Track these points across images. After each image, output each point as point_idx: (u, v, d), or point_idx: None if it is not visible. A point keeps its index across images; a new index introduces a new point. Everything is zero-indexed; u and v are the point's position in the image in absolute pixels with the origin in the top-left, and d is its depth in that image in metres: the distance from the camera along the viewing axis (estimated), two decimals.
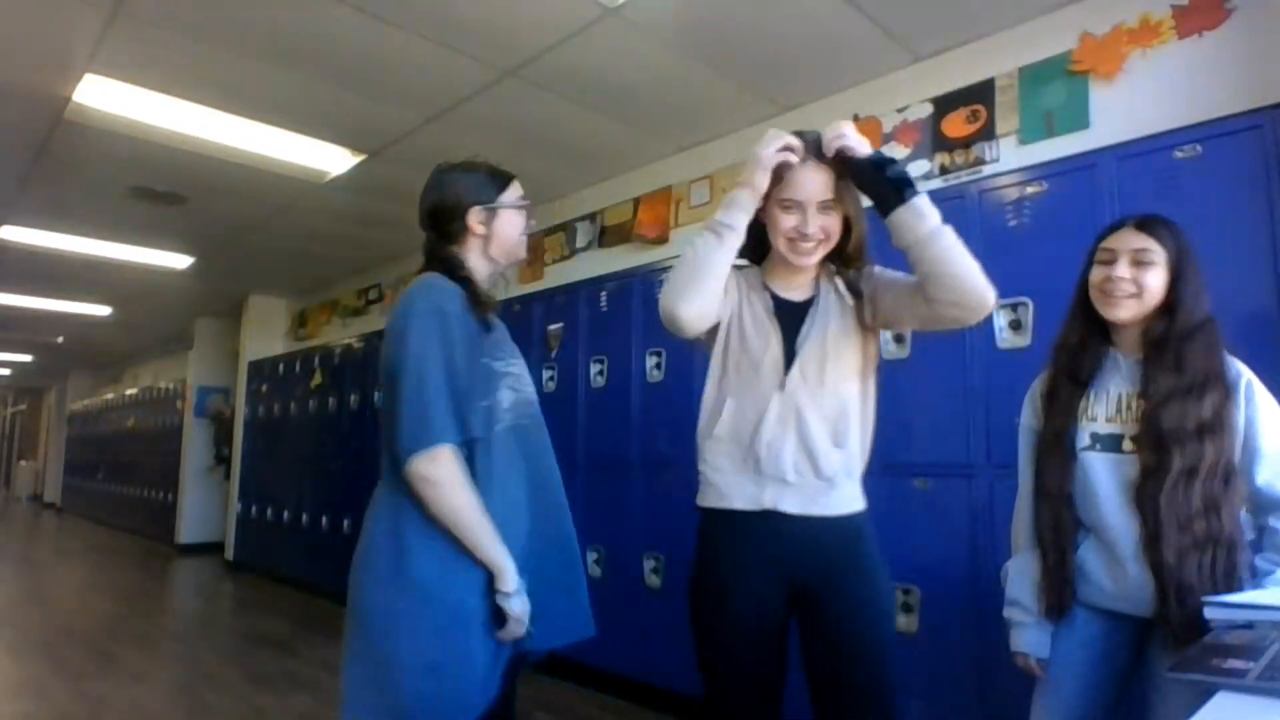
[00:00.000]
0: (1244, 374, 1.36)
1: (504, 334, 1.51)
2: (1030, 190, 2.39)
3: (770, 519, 1.40)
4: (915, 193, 1.32)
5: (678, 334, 1.40)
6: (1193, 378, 1.32)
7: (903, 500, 2.54)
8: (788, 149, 1.36)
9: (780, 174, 1.38)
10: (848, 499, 1.43)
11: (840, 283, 1.48)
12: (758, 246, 1.48)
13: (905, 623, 2.49)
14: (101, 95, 3.29)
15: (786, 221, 1.40)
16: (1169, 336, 1.36)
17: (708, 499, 1.47)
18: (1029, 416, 1.55)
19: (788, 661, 1.46)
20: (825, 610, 1.41)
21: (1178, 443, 1.29)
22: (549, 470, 1.47)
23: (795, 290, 1.49)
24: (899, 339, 2.60)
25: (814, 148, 1.39)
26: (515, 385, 1.45)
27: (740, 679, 1.42)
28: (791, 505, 1.40)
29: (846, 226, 1.44)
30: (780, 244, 1.42)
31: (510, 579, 1.30)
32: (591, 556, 3.51)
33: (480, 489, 1.31)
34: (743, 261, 1.48)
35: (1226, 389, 1.33)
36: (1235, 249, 2.01)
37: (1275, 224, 1.96)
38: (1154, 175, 2.16)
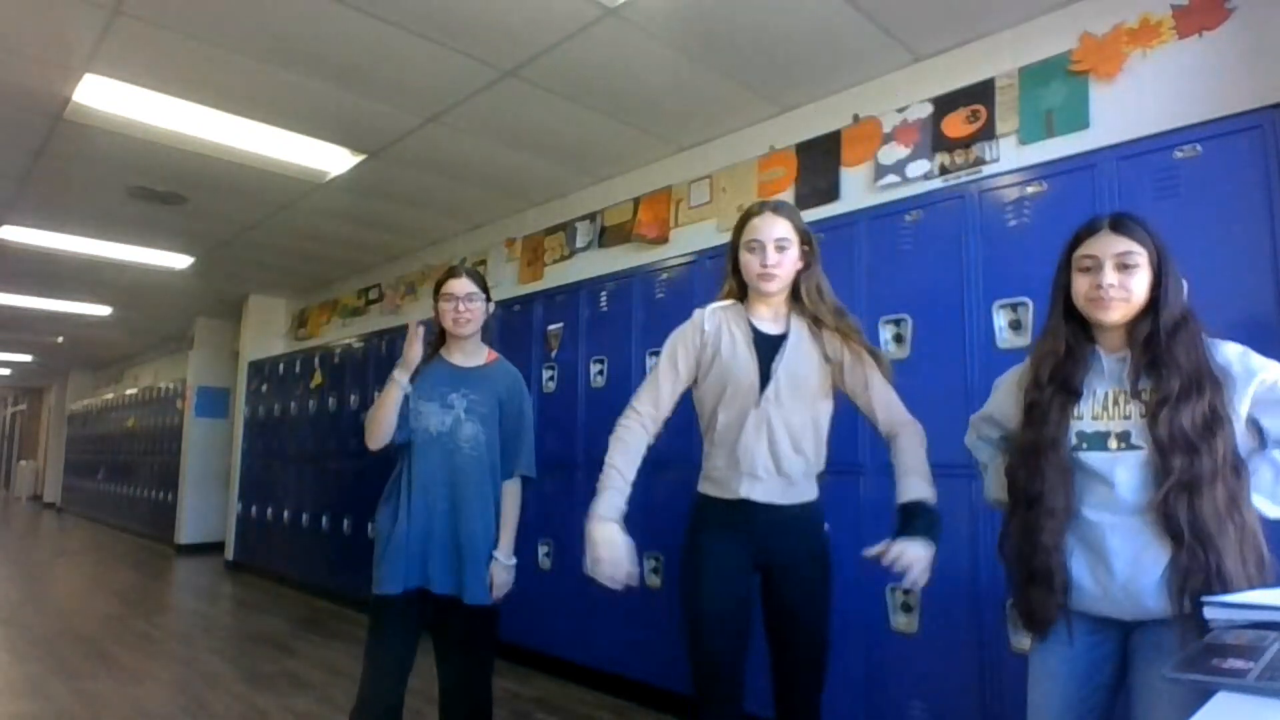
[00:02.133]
0: (1233, 360, 1.32)
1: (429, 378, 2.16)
2: (1030, 190, 2.39)
3: (744, 505, 1.74)
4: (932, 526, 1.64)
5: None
6: (1188, 376, 1.29)
7: None
8: None
9: (746, 222, 1.80)
10: (802, 492, 1.78)
11: (809, 321, 1.80)
12: (743, 288, 1.84)
13: (905, 623, 2.49)
14: (101, 95, 3.30)
15: (752, 261, 1.76)
16: (1155, 336, 1.32)
17: (706, 489, 1.83)
18: (1003, 416, 1.53)
19: (752, 616, 1.78)
20: (779, 583, 1.77)
21: (1197, 444, 1.26)
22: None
23: (772, 324, 1.80)
24: (898, 339, 2.61)
25: (771, 205, 1.82)
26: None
27: (715, 626, 1.73)
28: (760, 495, 1.73)
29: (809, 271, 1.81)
30: (751, 279, 1.78)
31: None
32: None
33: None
34: (728, 302, 1.85)
35: (1217, 381, 1.29)
36: (1235, 249, 2.01)
37: (1275, 224, 1.96)
38: (1154, 175, 2.16)
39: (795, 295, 1.81)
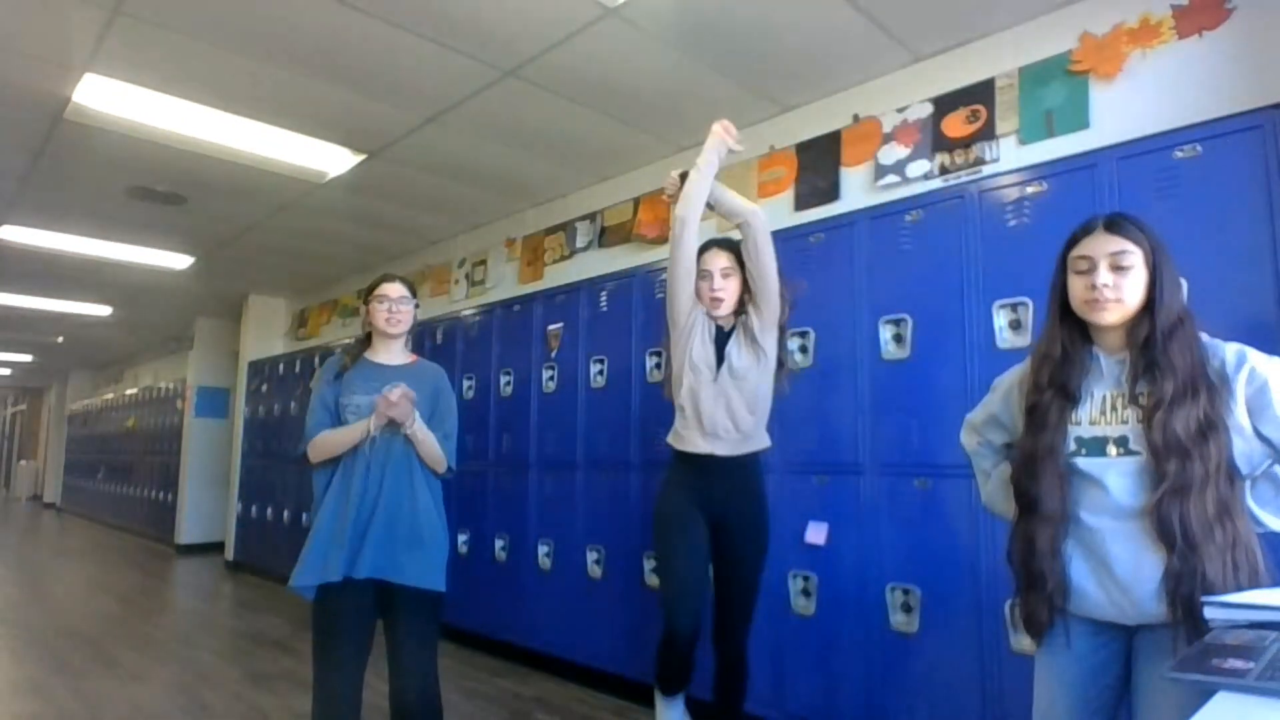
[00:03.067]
0: (1228, 360, 1.30)
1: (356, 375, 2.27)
2: (1030, 190, 2.39)
3: (709, 459, 2.27)
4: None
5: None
6: (1183, 379, 1.27)
7: (903, 500, 2.54)
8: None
9: (699, 256, 2.32)
10: (755, 443, 2.31)
11: (746, 317, 2.33)
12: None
13: (905, 622, 2.49)
14: (101, 95, 3.29)
15: (703, 285, 2.32)
16: (1152, 337, 1.31)
17: (676, 443, 2.34)
18: (1010, 419, 1.51)
19: (706, 550, 2.31)
20: (727, 538, 2.29)
21: (1190, 449, 1.25)
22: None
23: (726, 322, 2.35)
24: (898, 339, 2.61)
25: (720, 243, 2.35)
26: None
27: (680, 551, 2.30)
28: (722, 450, 2.26)
29: (748, 289, 2.31)
30: (704, 302, 2.32)
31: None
32: (591, 556, 3.51)
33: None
34: (701, 306, 2.36)
35: (1213, 384, 1.28)
36: (1235, 249, 2.01)
37: (1275, 224, 1.96)
38: (1154, 175, 2.16)
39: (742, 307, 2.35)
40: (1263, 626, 1.03)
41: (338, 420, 2.17)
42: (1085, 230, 1.39)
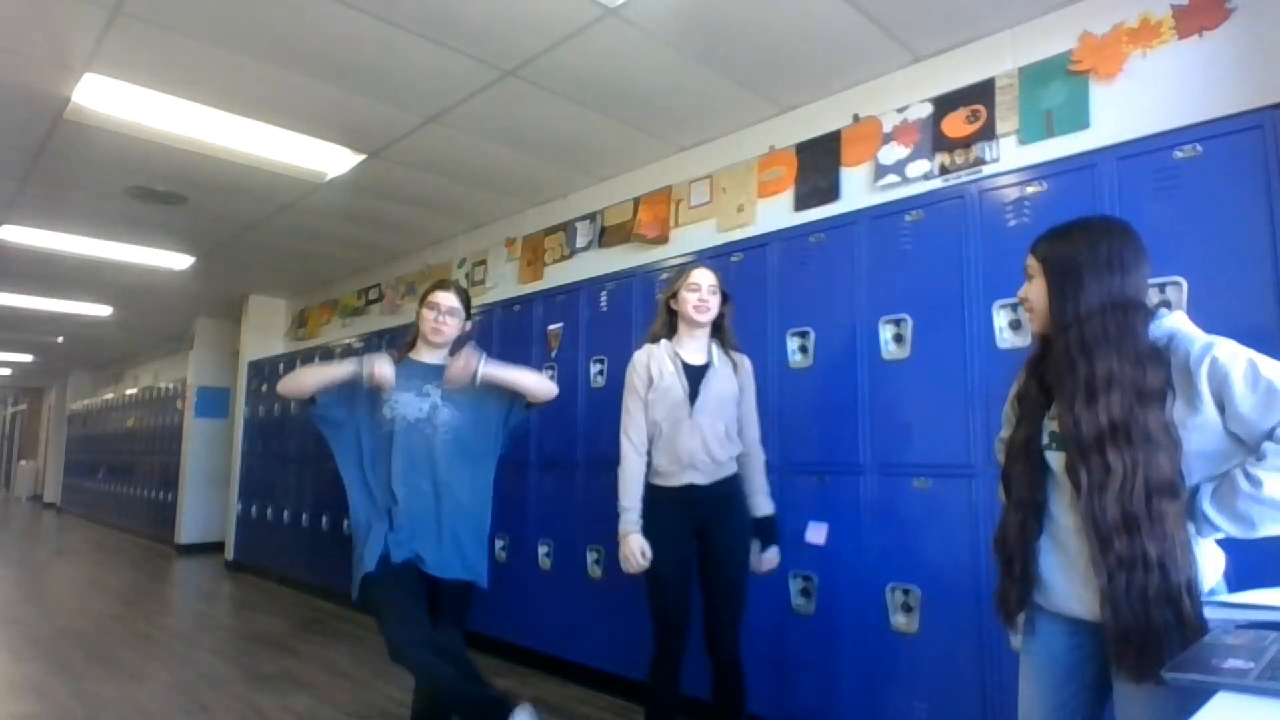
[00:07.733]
0: (1193, 353, 1.24)
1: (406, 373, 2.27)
2: (1030, 190, 2.39)
3: (688, 489, 2.34)
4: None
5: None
6: (1083, 379, 1.28)
7: (903, 500, 2.54)
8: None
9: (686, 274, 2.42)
10: (728, 469, 2.40)
11: (723, 351, 2.44)
12: (671, 324, 2.46)
13: (905, 622, 2.49)
14: (101, 95, 3.29)
15: (690, 298, 2.37)
16: (1051, 340, 1.38)
17: (656, 479, 2.40)
18: (1012, 415, 1.54)
19: (693, 566, 2.38)
20: (710, 540, 2.36)
21: (1085, 452, 1.27)
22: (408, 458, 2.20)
23: (694, 356, 2.41)
24: (898, 339, 2.61)
25: (702, 261, 2.63)
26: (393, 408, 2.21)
27: (667, 582, 2.35)
28: (700, 479, 2.35)
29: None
30: (689, 310, 2.37)
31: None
32: (591, 557, 3.51)
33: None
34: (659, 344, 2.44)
35: (1136, 392, 1.24)
36: (1235, 249, 2.01)
37: (1275, 224, 1.96)
38: (1154, 175, 2.16)
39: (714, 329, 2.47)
40: (1262, 626, 1.02)
41: (351, 411, 2.22)
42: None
